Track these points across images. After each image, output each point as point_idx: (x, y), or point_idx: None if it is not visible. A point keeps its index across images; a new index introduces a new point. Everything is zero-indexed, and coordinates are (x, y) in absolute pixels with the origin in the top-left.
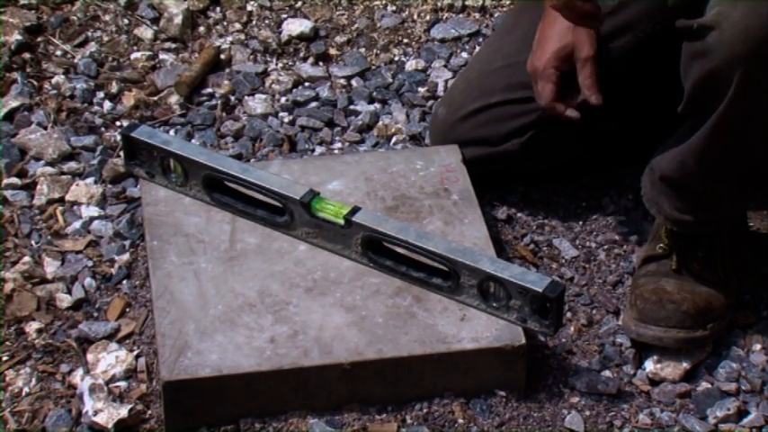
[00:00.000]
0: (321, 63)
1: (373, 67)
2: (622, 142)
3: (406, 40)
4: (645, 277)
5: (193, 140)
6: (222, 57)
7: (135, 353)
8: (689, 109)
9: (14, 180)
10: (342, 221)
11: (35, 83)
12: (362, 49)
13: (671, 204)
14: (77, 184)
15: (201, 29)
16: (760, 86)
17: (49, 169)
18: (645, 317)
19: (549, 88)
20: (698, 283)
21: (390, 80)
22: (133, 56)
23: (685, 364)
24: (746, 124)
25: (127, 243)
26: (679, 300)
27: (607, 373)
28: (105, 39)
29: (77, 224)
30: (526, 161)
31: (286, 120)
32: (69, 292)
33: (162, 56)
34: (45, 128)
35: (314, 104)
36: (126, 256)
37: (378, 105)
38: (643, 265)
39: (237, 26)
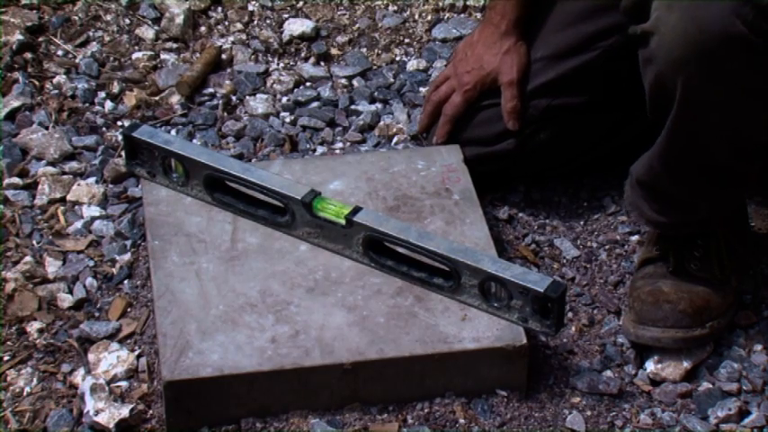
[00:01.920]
0: (322, 63)
1: (375, 67)
2: (620, 141)
3: (407, 40)
4: (642, 279)
5: (195, 140)
6: (223, 57)
7: (136, 353)
8: (651, 113)
9: (16, 180)
10: (343, 221)
11: (37, 83)
12: (364, 49)
13: (649, 207)
14: (79, 184)
15: (203, 29)
16: (703, 90)
17: (51, 169)
18: (642, 318)
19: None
20: (695, 283)
21: (392, 80)
22: (135, 56)
23: (686, 364)
24: (697, 126)
25: (128, 243)
26: (676, 299)
27: (608, 373)
28: (107, 39)
29: (79, 224)
30: (524, 160)
31: (287, 120)
32: (71, 291)
33: (163, 56)
34: (46, 128)
35: (315, 104)
36: (127, 256)
37: (379, 105)
38: (640, 268)
39: (239, 26)
